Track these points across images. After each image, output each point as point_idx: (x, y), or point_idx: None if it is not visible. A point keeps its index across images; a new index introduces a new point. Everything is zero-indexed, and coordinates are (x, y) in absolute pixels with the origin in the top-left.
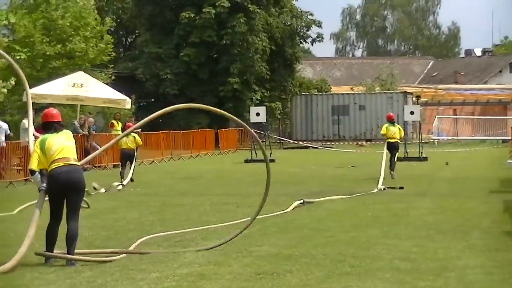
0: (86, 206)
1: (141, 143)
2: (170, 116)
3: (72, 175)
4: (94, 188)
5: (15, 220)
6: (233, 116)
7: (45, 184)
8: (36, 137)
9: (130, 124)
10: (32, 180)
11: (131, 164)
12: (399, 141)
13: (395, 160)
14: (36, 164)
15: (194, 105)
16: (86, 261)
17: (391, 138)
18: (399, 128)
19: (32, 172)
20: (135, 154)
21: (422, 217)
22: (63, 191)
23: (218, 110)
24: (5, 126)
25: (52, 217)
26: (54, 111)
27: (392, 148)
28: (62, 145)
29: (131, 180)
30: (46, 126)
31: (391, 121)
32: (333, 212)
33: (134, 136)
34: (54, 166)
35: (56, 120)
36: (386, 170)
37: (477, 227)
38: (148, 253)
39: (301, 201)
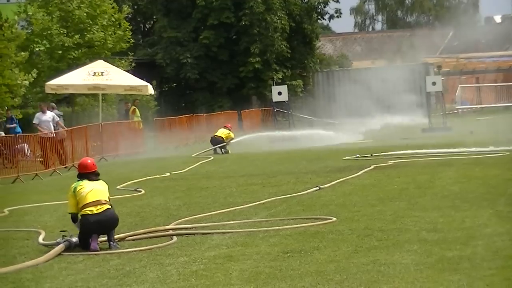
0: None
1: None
2: (191, 101)
3: (104, 220)
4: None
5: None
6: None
7: (67, 241)
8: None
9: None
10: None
11: (221, 149)
12: None
13: None
14: (72, 208)
15: None
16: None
17: None
18: None
19: (74, 217)
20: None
21: (448, 187)
22: (98, 233)
23: None
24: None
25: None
26: (89, 160)
27: None
28: (93, 188)
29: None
30: (83, 177)
31: None
32: (359, 186)
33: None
34: (85, 211)
35: (91, 170)
36: None
37: (502, 194)
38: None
39: (317, 188)
